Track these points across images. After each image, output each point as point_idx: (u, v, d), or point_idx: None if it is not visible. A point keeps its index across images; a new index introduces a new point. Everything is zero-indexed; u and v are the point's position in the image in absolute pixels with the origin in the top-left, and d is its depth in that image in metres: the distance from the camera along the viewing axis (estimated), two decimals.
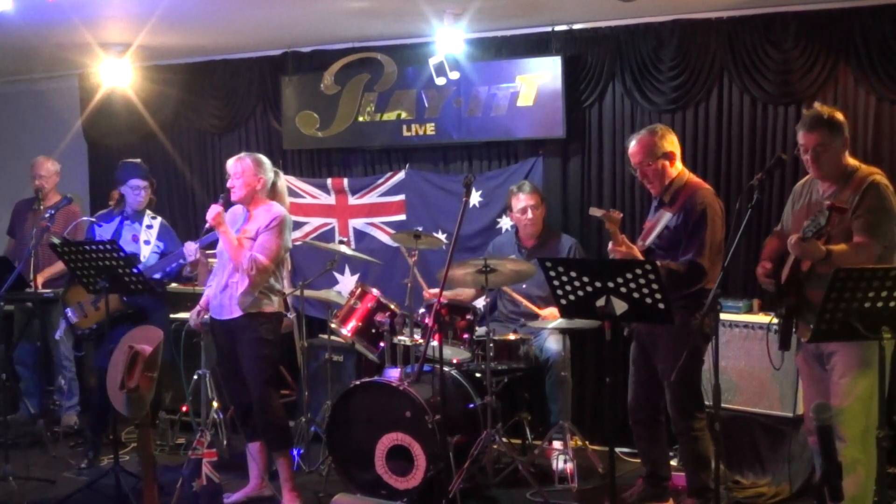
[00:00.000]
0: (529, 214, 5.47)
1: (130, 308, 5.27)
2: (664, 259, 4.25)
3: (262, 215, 4.64)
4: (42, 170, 6.38)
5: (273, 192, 4.79)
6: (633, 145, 4.43)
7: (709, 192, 4.38)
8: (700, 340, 4.21)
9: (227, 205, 4.74)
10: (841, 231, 3.73)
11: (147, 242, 5.35)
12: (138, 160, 5.60)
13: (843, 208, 3.69)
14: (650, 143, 4.36)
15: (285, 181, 5.69)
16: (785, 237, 3.94)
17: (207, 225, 4.67)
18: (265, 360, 4.64)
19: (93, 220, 5.54)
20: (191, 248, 4.90)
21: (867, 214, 3.71)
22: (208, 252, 5.13)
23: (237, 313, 4.61)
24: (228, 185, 4.68)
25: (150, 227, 5.43)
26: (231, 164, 4.70)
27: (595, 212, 4.44)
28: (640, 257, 4.32)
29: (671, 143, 4.39)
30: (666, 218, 4.36)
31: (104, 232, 5.40)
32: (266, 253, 4.55)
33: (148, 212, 5.50)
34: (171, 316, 5.90)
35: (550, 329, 5.23)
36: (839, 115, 3.86)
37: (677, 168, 4.41)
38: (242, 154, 4.74)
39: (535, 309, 5.38)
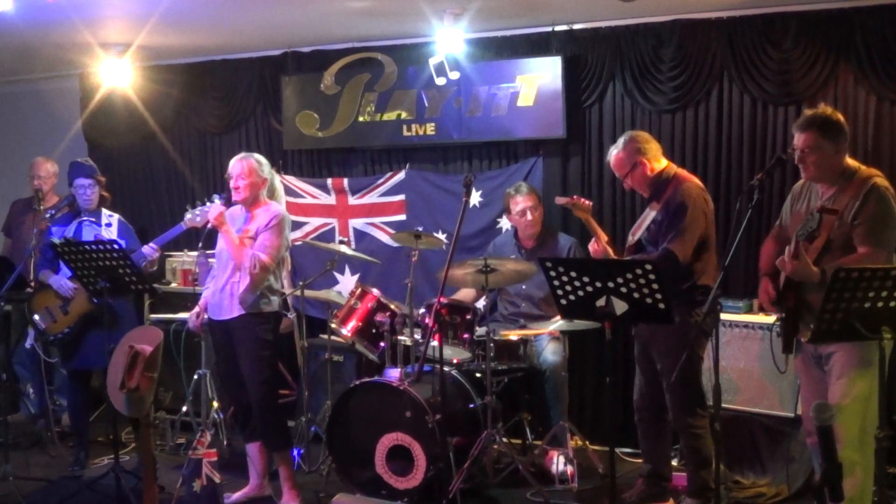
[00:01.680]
0: (529, 216, 5.45)
1: (100, 309, 5.20)
2: (653, 253, 4.32)
3: (262, 215, 4.64)
4: (41, 170, 6.36)
5: (271, 193, 4.79)
6: (611, 160, 4.56)
7: (694, 185, 4.42)
8: (697, 338, 4.21)
9: (228, 205, 4.75)
10: (840, 235, 3.67)
11: None
12: (85, 158, 5.56)
13: (834, 210, 3.65)
14: (621, 158, 4.51)
15: (284, 181, 5.67)
16: (782, 238, 3.94)
17: (210, 225, 4.67)
18: (264, 361, 4.64)
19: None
20: (148, 251, 5.13)
21: (868, 221, 3.62)
22: (208, 252, 5.13)
23: (236, 313, 4.61)
24: (232, 185, 4.66)
25: (109, 225, 5.40)
26: (234, 164, 4.68)
27: (560, 200, 4.50)
28: (612, 255, 4.46)
29: (640, 150, 4.45)
30: (653, 212, 4.44)
31: (63, 236, 5.31)
32: (267, 251, 4.55)
33: (104, 210, 5.45)
34: (171, 316, 5.93)
35: (549, 334, 5.22)
36: (837, 118, 3.77)
37: (655, 169, 4.47)
38: (244, 154, 4.73)
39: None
